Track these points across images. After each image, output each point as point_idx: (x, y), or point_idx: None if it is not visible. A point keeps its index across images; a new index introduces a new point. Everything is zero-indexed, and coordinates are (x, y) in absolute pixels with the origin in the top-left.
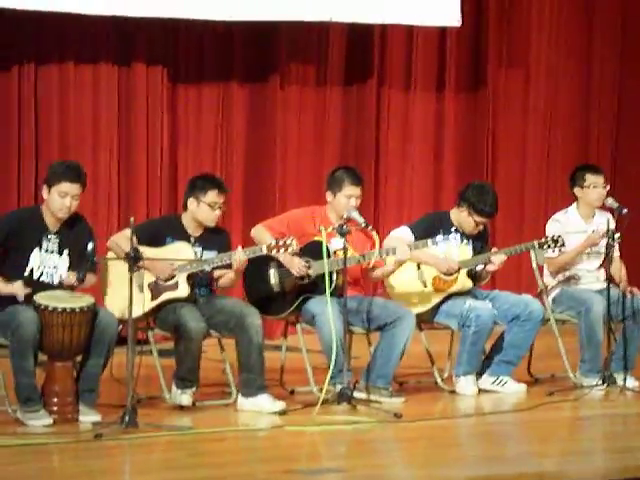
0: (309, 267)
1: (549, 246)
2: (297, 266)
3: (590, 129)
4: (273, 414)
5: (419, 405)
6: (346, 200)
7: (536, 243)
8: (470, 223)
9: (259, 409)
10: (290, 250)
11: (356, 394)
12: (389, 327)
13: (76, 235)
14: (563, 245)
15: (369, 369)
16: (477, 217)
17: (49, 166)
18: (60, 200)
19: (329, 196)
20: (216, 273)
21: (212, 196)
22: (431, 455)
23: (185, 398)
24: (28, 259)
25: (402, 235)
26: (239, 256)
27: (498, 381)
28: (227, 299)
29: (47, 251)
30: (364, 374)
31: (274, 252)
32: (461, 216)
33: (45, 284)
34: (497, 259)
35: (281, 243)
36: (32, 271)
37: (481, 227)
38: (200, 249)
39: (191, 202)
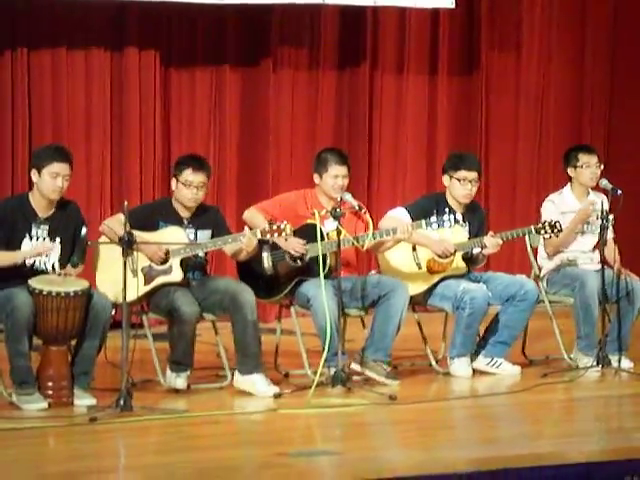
0: (305, 246)
1: (546, 231)
2: (294, 246)
3: (583, 111)
4: (267, 397)
5: (413, 387)
6: (333, 180)
7: (533, 228)
8: (457, 187)
9: (254, 388)
10: (284, 235)
11: (353, 365)
12: (383, 300)
13: (66, 221)
14: (560, 230)
15: (366, 345)
16: (457, 174)
17: (34, 151)
18: (52, 181)
19: (316, 178)
20: (231, 250)
21: (186, 174)
22: (426, 437)
23: (180, 381)
24: (19, 248)
25: (398, 215)
26: (249, 237)
27: (493, 362)
28: (220, 279)
29: (38, 238)
30: (362, 350)
31: (268, 236)
32: (449, 187)
33: (39, 271)
34: (492, 243)
35: (275, 227)
36: (24, 259)
37: (468, 186)
38: (193, 230)
39: (173, 182)
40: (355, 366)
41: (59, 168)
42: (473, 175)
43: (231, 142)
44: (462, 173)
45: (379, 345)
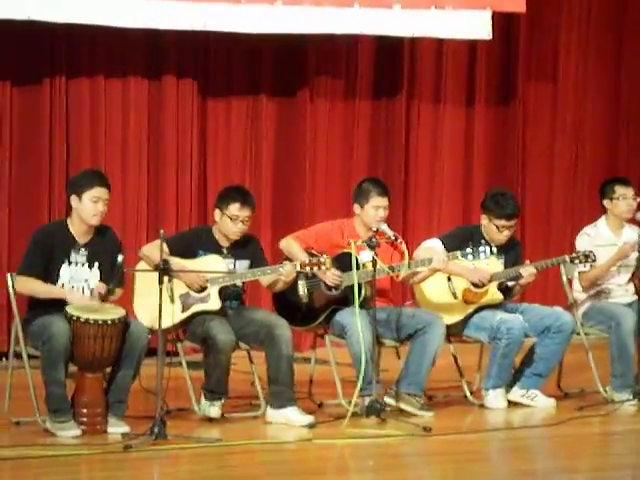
0: (341, 277)
1: (580, 261)
2: (330, 277)
3: (619, 143)
4: (301, 427)
5: (448, 419)
6: (374, 211)
7: (567, 258)
8: (494, 230)
9: (287, 421)
10: (323, 268)
11: (387, 399)
12: (419, 334)
13: (105, 247)
14: (594, 260)
15: (401, 377)
16: (497, 221)
17: (72, 178)
18: (93, 205)
19: (357, 209)
20: (268, 280)
21: (234, 209)
22: (460, 469)
23: (214, 410)
24: (58, 274)
25: (433, 246)
26: (288, 270)
27: (528, 394)
28: (257, 311)
29: (77, 264)
30: (396, 382)
31: (307, 269)
32: (486, 226)
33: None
34: (527, 272)
35: (315, 261)
36: (63, 286)
37: (506, 232)
38: (232, 260)
39: (217, 213)
40: (389, 400)
41: (100, 192)
42: (512, 222)
43: (267, 171)
44: (501, 222)
45: (413, 379)
